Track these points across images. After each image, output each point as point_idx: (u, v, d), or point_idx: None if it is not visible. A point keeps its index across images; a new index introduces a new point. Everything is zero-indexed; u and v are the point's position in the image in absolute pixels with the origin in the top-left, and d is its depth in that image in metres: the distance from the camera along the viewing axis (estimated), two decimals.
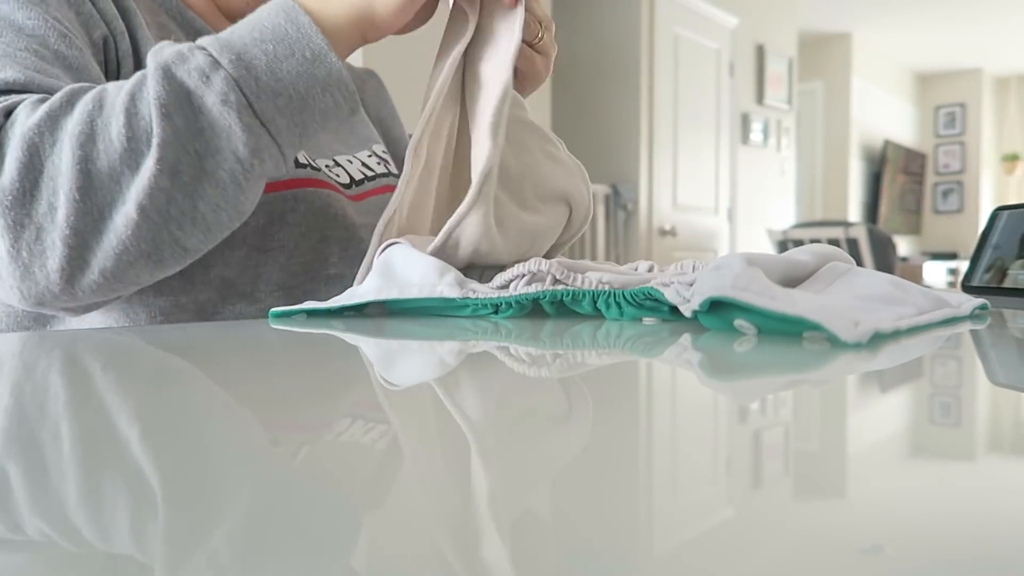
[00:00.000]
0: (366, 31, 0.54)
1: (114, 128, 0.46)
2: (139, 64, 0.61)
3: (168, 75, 0.47)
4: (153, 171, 0.46)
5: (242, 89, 0.48)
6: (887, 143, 7.06)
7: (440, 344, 0.37)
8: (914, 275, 6.31)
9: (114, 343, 0.39)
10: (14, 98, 0.49)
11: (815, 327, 0.34)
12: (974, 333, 0.41)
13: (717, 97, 4.34)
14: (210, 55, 0.48)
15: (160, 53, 0.48)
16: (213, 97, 0.47)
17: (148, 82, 0.47)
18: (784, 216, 4.95)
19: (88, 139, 0.46)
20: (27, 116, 0.47)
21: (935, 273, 6.71)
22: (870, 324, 0.34)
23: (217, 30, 0.70)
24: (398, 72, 2.57)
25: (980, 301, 0.47)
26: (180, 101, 0.47)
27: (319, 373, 0.31)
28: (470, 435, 0.20)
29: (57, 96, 0.48)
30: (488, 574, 0.11)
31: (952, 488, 0.16)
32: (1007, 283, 0.73)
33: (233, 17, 0.71)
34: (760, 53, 4.67)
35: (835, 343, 0.34)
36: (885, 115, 7.26)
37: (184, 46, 0.49)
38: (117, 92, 0.48)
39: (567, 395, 0.26)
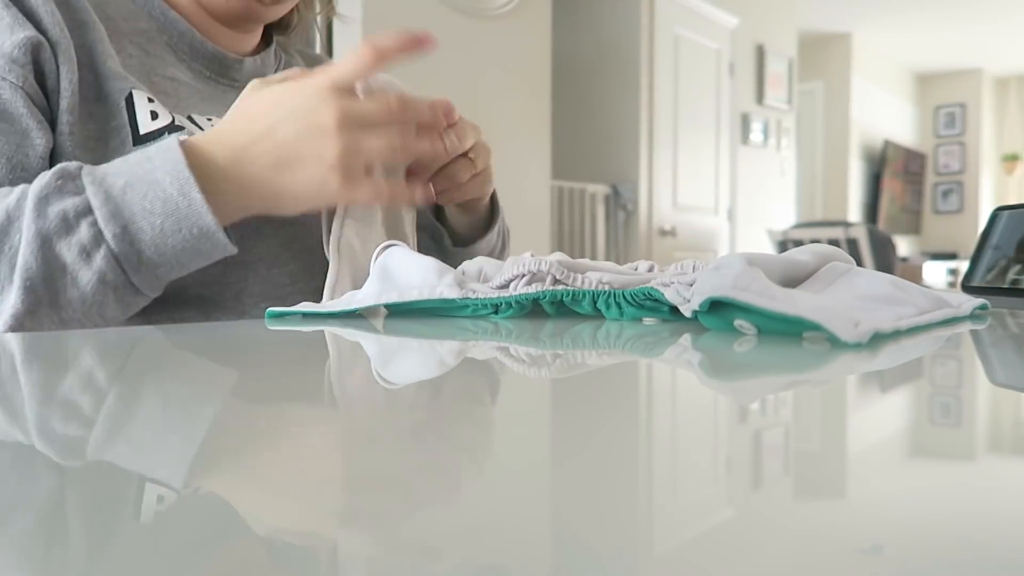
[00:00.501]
0: (270, 207, 0.54)
1: None
2: (87, 74, 0.60)
3: (46, 245, 0.47)
4: (3, 325, 0.48)
5: (122, 266, 0.49)
6: (887, 143, 7.06)
7: (440, 343, 0.37)
8: (914, 275, 6.32)
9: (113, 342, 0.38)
10: None
11: (815, 327, 0.34)
12: (974, 333, 0.41)
13: (717, 97, 4.35)
14: (96, 227, 0.48)
15: (44, 208, 0.48)
16: (90, 275, 0.48)
17: (21, 242, 0.47)
18: (784, 216, 4.95)
19: None
20: None
21: (935, 273, 6.71)
22: (870, 324, 0.34)
23: (202, 31, 0.69)
24: (398, 77, 2.57)
25: (980, 301, 0.47)
26: (52, 275, 0.48)
27: (314, 371, 0.31)
28: (466, 436, 0.20)
29: None
30: (488, 574, 0.11)
31: (952, 488, 0.16)
32: (1007, 283, 0.73)
33: (218, 17, 0.70)
34: (760, 53, 4.67)
35: (835, 343, 0.34)
36: (885, 115, 7.27)
37: (70, 204, 0.48)
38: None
39: (566, 395, 0.26)
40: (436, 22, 2.80)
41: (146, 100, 0.61)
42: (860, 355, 0.32)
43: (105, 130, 0.60)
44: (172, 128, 0.61)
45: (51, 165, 0.57)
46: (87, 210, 0.48)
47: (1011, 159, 7.91)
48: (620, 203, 3.84)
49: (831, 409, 0.24)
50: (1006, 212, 0.78)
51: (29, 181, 0.54)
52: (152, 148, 0.51)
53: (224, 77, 0.71)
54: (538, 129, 3.21)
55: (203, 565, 0.12)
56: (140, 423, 0.21)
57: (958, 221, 7.79)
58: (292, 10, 0.79)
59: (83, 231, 0.48)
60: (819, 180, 6.68)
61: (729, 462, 0.17)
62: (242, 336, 0.42)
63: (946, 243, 7.73)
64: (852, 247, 4.02)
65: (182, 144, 0.51)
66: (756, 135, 4.64)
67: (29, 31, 0.57)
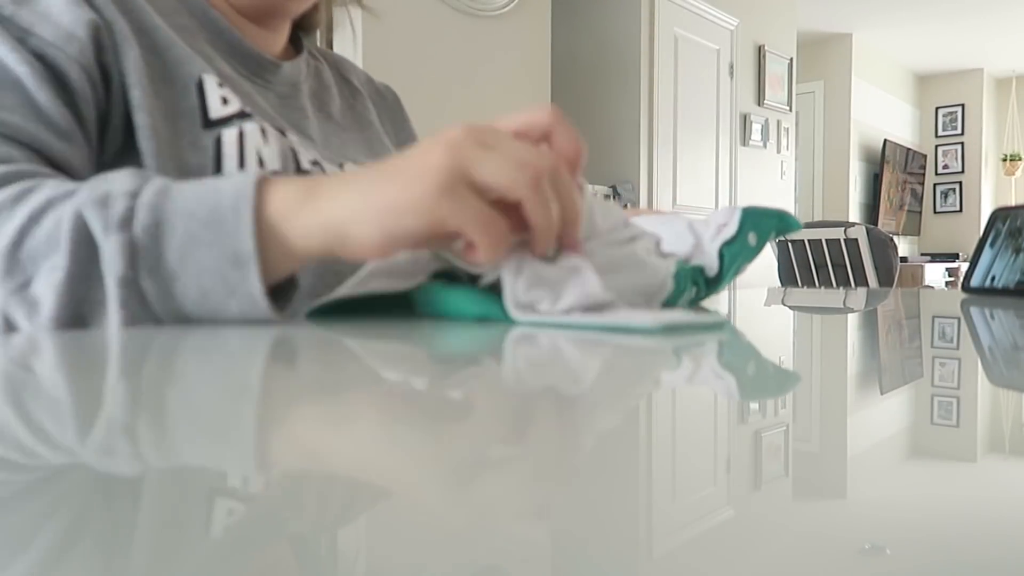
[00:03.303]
0: (334, 249, 0.44)
1: (9, 229, 0.44)
2: (151, 57, 0.59)
3: (78, 215, 0.43)
4: (24, 291, 0.44)
5: (137, 259, 0.42)
6: (887, 143, 7.05)
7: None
8: (914, 276, 6.32)
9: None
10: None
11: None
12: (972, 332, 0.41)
13: (717, 98, 4.34)
14: (131, 211, 0.42)
15: (96, 187, 0.44)
16: (108, 253, 0.42)
17: (64, 213, 0.43)
18: None
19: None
20: None
21: (935, 274, 6.71)
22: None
23: (238, 28, 0.70)
24: (398, 78, 2.57)
25: (672, 317, 0.43)
26: (80, 245, 0.42)
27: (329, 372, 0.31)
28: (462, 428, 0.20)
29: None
30: (487, 573, 0.11)
31: (952, 488, 0.16)
32: (1007, 284, 0.73)
33: (244, 12, 0.70)
34: (760, 53, 4.67)
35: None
36: (885, 115, 7.26)
37: (121, 185, 0.43)
38: (41, 195, 0.45)
39: (563, 395, 0.26)
40: (436, 22, 2.80)
41: (216, 85, 0.61)
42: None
43: (175, 111, 0.60)
44: (242, 115, 0.61)
45: (129, 142, 0.57)
46: (134, 192, 0.43)
47: (1011, 159, 7.91)
48: (620, 203, 3.84)
49: (831, 409, 0.24)
50: (1006, 212, 0.78)
51: (78, 150, 0.54)
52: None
53: (259, 77, 0.71)
54: None
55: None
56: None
57: (958, 221, 7.79)
58: (317, 9, 0.79)
59: (117, 207, 0.42)
60: (819, 181, 6.68)
61: (729, 462, 0.17)
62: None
63: (946, 243, 7.72)
64: (852, 247, 4.01)
65: (261, 175, 0.44)
66: (756, 135, 4.63)
67: (89, 13, 0.57)
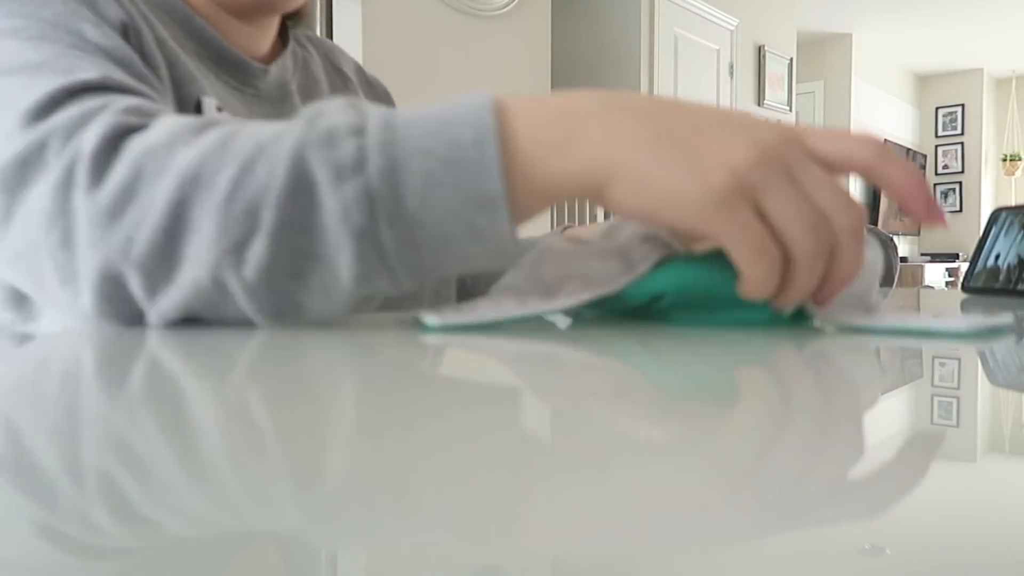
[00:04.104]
0: (590, 194, 0.40)
1: (221, 181, 0.39)
2: (164, 72, 0.58)
3: (298, 155, 0.38)
4: (240, 251, 0.39)
5: (375, 207, 0.38)
6: (887, 143, 7.04)
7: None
8: (914, 276, 6.31)
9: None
10: (146, 106, 0.44)
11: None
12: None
13: (717, 98, 4.35)
14: (362, 151, 0.38)
15: (316, 120, 0.40)
16: (335, 204, 0.38)
17: (277, 158, 0.38)
18: None
19: (193, 181, 0.39)
20: (148, 135, 0.41)
21: (935, 274, 6.71)
22: None
23: (224, 32, 0.67)
24: (398, 78, 2.57)
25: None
26: (297, 192, 0.38)
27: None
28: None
29: (188, 122, 0.42)
30: (485, 572, 0.11)
31: (953, 488, 0.16)
32: (1007, 284, 0.73)
33: (233, 10, 0.68)
34: (760, 53, 4.67)
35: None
36: (885, 115, 7.27)
37: (342, 120, 0.39)
38: (248, 139, 0.40)
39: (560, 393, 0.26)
40: (436, 22, 2.80)
41: (215, 109, 0.59)
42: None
43: None
44: None
45: None
46: (359, 129, 0.38)
47: (1011, 159, 7.91)
48: None
49: (832, 409, 0.24)
50: (1006, 212, 0.78)
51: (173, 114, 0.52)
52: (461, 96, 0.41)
53: (248, 86, 0.69)
54: None
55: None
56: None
57: (958, 221, 7.79)
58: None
59: (346, 149, 0.38)
60: None
61: (729, 462, 0.17)
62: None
63: (946, 244, 7.73)
64: None
65: (498, 99, 0.39)
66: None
67: (121, 13, 0.55)
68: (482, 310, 0.42)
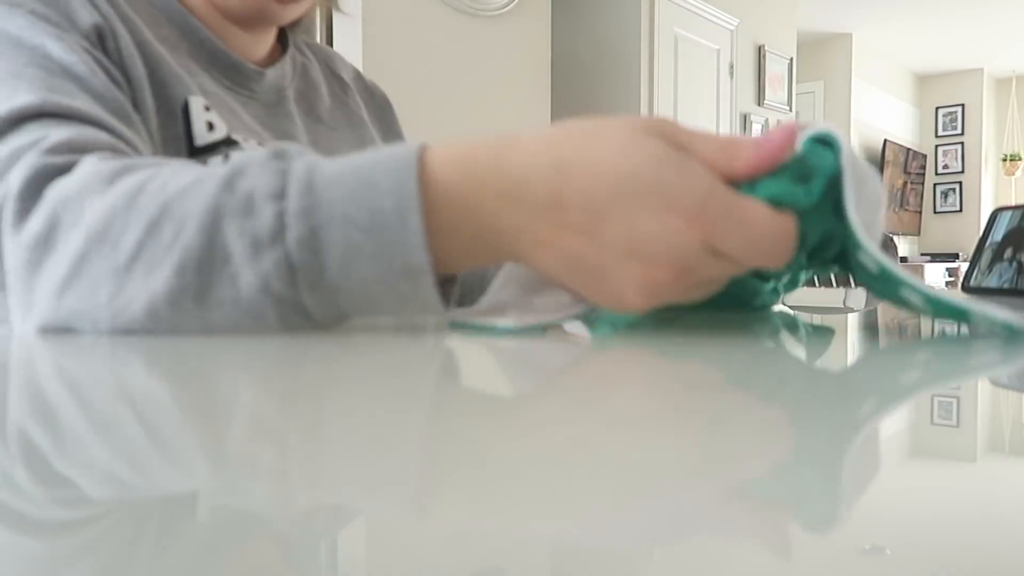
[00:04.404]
0: (503, 258, 0.41)
1: (125, 242, 0.39)
2: (144, 74, 0.57)
3: (215, 224, 0.38)
4: (138, 313, 0.39)
5: (296, 278, 0.38)
6: (887, 143, 7.05)
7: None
8: (914, 275, 6.30)
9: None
10: (77, 140, 0.45)
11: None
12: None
13: (717, 98, 4.34)
14: (280, 219, 0.37)
15: (236, 181, 0.39)
16: (252, 277, 0.37)
17: (187, 221, 0.38)
18: None
19: (98, 238, 0.39)
20: (69, 181, 0.42)
21: (935, 274, 6.70)
22: None
23: (221, 37, 0.67)
24: (398, 78, 2.57)
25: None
26: (210, 263, 0.38)
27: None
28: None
29: (107, 168, 0.42)
30: (486, 572, 0.11)
31: (953, 488, 0.16)
32: (1007, 284, 0.73)
33: (233, 18, 0.68)
34: (760, 53, 4.67)
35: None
36: (885, 115, 7.26)
37: (263, 183, 0.38)
38: (157, 195, 0.39)
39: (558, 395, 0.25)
40: (436, 22, 2.80)
41: (203, 108, 0.59)
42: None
43: (162, 136, 0.57)
44: (228, 142, 0.58)
45: None
46: (279, 193, 0.38)
47: (1011, 159, 7.90)
48: None
49: (832, 409, 0.24)
50: (1006, 212, 0.78)
51: (138, 134, 0.52)
52: (393, 147, 0.40)
53: (243, 88, 0.69)
54: None
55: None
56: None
57: (958, 221, 7.78)
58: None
59: (263, 218, 0.37)
60: None
61: (729, 462, 0.17)
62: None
63: (946, 243, 7.72)
64: None
65: (423, 151, 0.39)
66: (756, 135, 4.63)
67: (95, 16, 0.55)
68: (536, 314, 0.42)
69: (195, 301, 0.38)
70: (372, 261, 0.37)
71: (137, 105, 0.56)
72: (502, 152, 0.39)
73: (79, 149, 0.45)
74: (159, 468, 0.17)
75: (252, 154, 0.40)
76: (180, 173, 0.40)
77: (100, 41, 0.55)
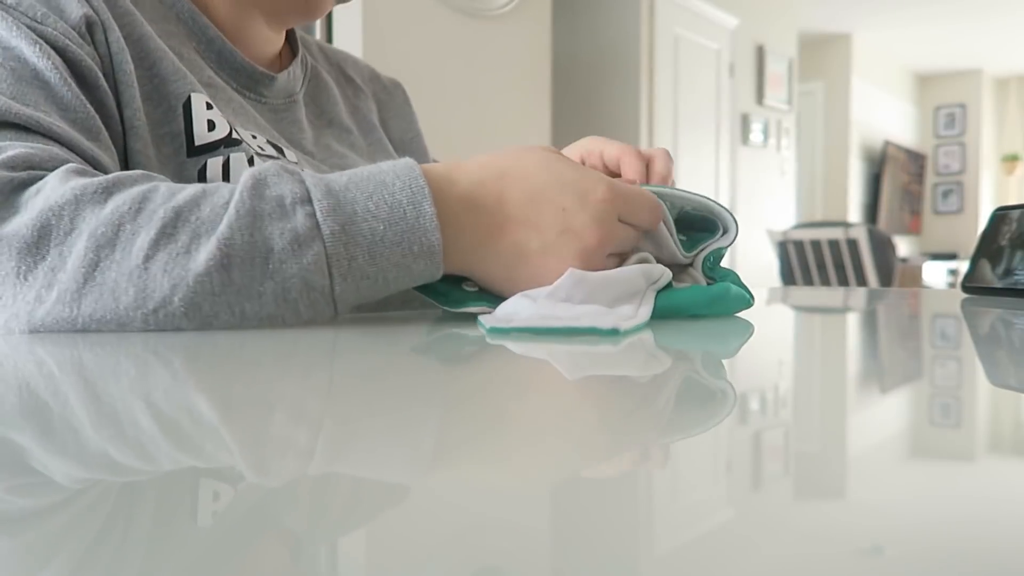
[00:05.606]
0: (487, 266, 0.48)
1: (140, 242, 0.40)
2: (141, 71, 0.56)
3: (257, 223, 0.41)
4: (174, 310, 0.40)
5: (331, 269, 0.42)
6: (887, 143, 7.05)
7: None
8: (914, 276, 6.32)
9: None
10: (35, 157, 0.45)
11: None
12: (975, 332, 0.41)
13: (717, 97, 4.34)
14: (313, 218, 0.42)
15: (261, 190, 0.42)
16: (296, 270, 0.41)
17: (225, 217, 0.41)
18: (784, 216, 4.95)
19: (107, 243, 0.40)
20: (55, 189, 0.42)
21: (935, 274, 6.71)
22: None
23: (231, 34, 0.66)
24: (398, 78, 2.57)
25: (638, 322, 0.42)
26: (254, 257, 0.41)
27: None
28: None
29: (96, 181, 0.43)
30: (486, 571, 0.11)
31: (952, 488, 0.16)
32: (1007, 284, 0.73)
33: (269, 13, 0.67)
34: (760, 53, 4.67)
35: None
36: (885, 115, 7.26)
37: (288, 190, 0.42)
38: (167, 198, 0.42)
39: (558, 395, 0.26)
40: (436, 22, 2.80)
41: (204, 106, 0.58)
42: None
43: (160, 133, 0.57)
44: (229, 141, 0.57)
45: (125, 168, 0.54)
46: (306, 199, 0.42)
47: (1011, 159, 7.90)
48: None
49: (831, 409, 0.24)
50: (1006, 212, 0.78)
51: (106, 151, 0.51)
52: (389, 161, 0.46)
53: (252, 91, 0.68)
54: (538, 129, 3.22)
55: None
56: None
57: (958, 221, 7.79)
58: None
59: (299, 219, 0.42)
60: (819, 180, 6.68)
61: (729, 462, 0.17)
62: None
63: (946, 243, 7.72)
64: (852, 248, 4.01)
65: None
66: (756, 135, 4.63)
67: (85, 7, 0.54)
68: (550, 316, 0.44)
69: (237, 295, 0.41)
70: (394, 249, 0.43)
71: (121, 103, 0.55)
72: (452, 168, 0.47)
73: (36, 166, 0.45)
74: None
75: (264, 166, 0.44)
76: (180, 187, 0.44)
77: (90, 33, 0.54)
